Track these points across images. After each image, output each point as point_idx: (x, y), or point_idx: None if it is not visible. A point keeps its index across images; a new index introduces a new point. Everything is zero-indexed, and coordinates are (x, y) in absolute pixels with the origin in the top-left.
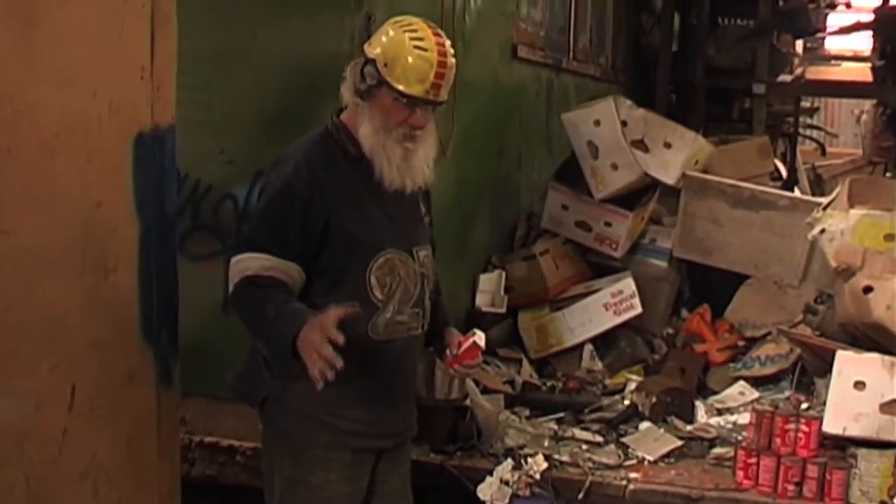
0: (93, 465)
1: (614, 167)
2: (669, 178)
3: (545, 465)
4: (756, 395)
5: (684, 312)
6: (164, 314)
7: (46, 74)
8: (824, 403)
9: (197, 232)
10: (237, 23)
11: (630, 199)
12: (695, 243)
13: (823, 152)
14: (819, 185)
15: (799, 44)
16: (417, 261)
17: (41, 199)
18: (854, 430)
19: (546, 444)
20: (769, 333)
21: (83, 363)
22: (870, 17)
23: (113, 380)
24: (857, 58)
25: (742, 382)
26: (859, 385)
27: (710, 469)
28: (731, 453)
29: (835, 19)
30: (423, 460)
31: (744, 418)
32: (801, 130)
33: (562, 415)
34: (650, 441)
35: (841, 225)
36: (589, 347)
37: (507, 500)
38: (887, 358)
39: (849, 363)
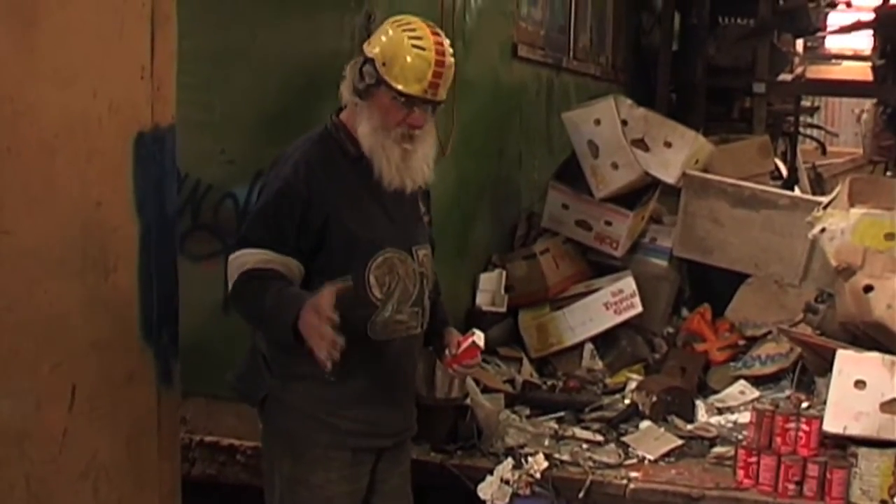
0: (93, 464)
1: (615, 166)
2: (670, 177)
3: (545, 464)
4: (756, 394)
5: (685, 311)
6: (165, 314)
7: (46, 74)
8: (825, 402)
9: (197, 232)
10: (237, 22)
11: (630, 198)
12: (695, 242)
13: (824, 151)
14: (819, 185)
15: (799, 43)
16: (417, 260)
17: (41, 199)
18: (854, 429)
19: (546, 443)
20: (769, 332)
21: (83, 363)
22: (870, 16)
23: (113, 380)
24: (857, 57)
25: (742, 381)
26: (860, 384)
27: (710, 468)
28: (732, 452)
29: (835, 18)
30: (423, 459)
31: (744, 417)
32: (801, 129)
33: (562, 414)
34: (651, 440)
35: (841, 224)
36: (589, 346)
37: (507, 500)
38: (888, 357)
39: (849, 362)
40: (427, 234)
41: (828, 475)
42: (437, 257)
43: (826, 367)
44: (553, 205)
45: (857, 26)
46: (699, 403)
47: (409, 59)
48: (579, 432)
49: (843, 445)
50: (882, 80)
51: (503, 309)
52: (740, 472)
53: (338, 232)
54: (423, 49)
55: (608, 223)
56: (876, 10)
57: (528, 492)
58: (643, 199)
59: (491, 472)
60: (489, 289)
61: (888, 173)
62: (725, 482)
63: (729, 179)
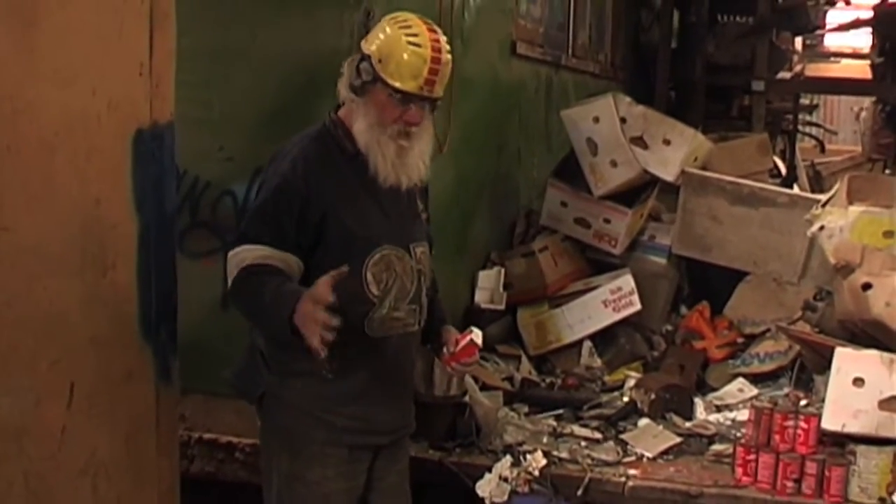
0: (92, 462)
1: (613, 164)
2: (669, 174)
3: (544, 461)
4: (755, 391)
5: (683, 309)
6: (163, 311)
7: (46, 73)
8: (823, 400)
9: (196, 229)
10: (236, 20)
11: (629, 195)
12: (694, 240)
13: (822, 149)
14: (818, 182)
15: (798, 41)
16: (414, 257)
17: (41, 197)
18: (853, 427)
19: (545, 440)
20: (768, 330)
21: (82, 360)
22: (869, 14)
23: (112, 377)
24: (856, 55)
25: (741, 379)
26: (858, 382)
27: (708, 466)
28: (730, 450)
29: (834, 16)
30: (422, 457)
31: (743, 415)
32: (800, 127)
33: (561, 411)
34: (649, 438)
35: (840, 222)
36: (588, 344)
37: (505, 497)
38: (886, 354)
39: (848, 360)
40: (425, 231)
41: (826, 473)
42: (436, 255)
43: (825, 365)
44: (552, 202)
45: (856, 24)
46: (698, 401)
47: (405, 56)
48: (578, 430)
49: (841, 443)
50: (881, 77)
51: (502, 307)
52: (739, 470)
53: (335, 229)
54: (419, 46)
55: (607, 221)
56: (875, 7)
57: (526, 489)
58: (642, 197)
59: (489, 470)
60: (488, 286)
61: (887, 171)
62: (724, 480)
63: (728, 177)
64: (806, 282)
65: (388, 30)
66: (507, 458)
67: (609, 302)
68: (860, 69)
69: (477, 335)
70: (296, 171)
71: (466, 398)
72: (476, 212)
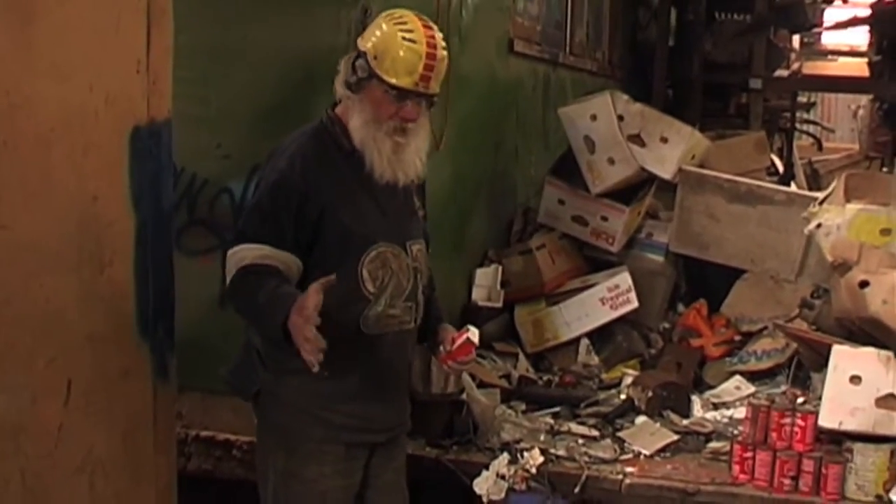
0: (89, 459)
1: (611, 162)
2: (666, 172)
3: (541, 459)
4: (752, 389)
5: (681, 307)
6: (161, 309)
7: (43, 69)
8: (820, 398)
9: (193, 227)
10: (234, 18)
11: (626, 193)
12: (691, 238)
13: (820, 147)
14: (816, 180)
15: (796, 39)
16: (410, 255)
17: (38, 193)
18: (850, 425)
19: (542, 438)
20: (765, 328)
21: (79, 357)
22: (866, 12)
23: (109, 374)
24: (853, 53)
25: (738, 377)
26: (855, 379)
27: (706, 463)
28: (728, 448)
29: (831, 14)
30: (419, 454)
31: (740, 413)
32: (797, 125)
33: (558, 409)
34: (646, 435)
35: (837, 220)
36: (585, 342)
37: (503, 495)
38: (883, 352)
39: (845, 357)
40: (421, 228)
41: (823, 470)
42: (433, 252)
43: (822, 363)
44: (549, 200)
45: (854, 22)
46: (695, 399)
47: (400, 52)
48: (575, 427)
49: (838, 441)
50: (878, 75)
51: (499, 304)
52: (736, 468)
53: (332, 226)
54: (414, 42)
55: (604, 218)
56: (872, 6)
57: (523, 487)
58: (639, 195)
59: (487, 467)
60: (485, 284)
61: (884, 169)
62: (721, 477)
63: (725, 175)
64: (803, 279)
65: (383, 26)
66: (505, 456)
67: (606, 299)
68: (858, 67)
69: (474, 333)
70: (294, 168)
71: (463, 396)
72: (473, 209)
